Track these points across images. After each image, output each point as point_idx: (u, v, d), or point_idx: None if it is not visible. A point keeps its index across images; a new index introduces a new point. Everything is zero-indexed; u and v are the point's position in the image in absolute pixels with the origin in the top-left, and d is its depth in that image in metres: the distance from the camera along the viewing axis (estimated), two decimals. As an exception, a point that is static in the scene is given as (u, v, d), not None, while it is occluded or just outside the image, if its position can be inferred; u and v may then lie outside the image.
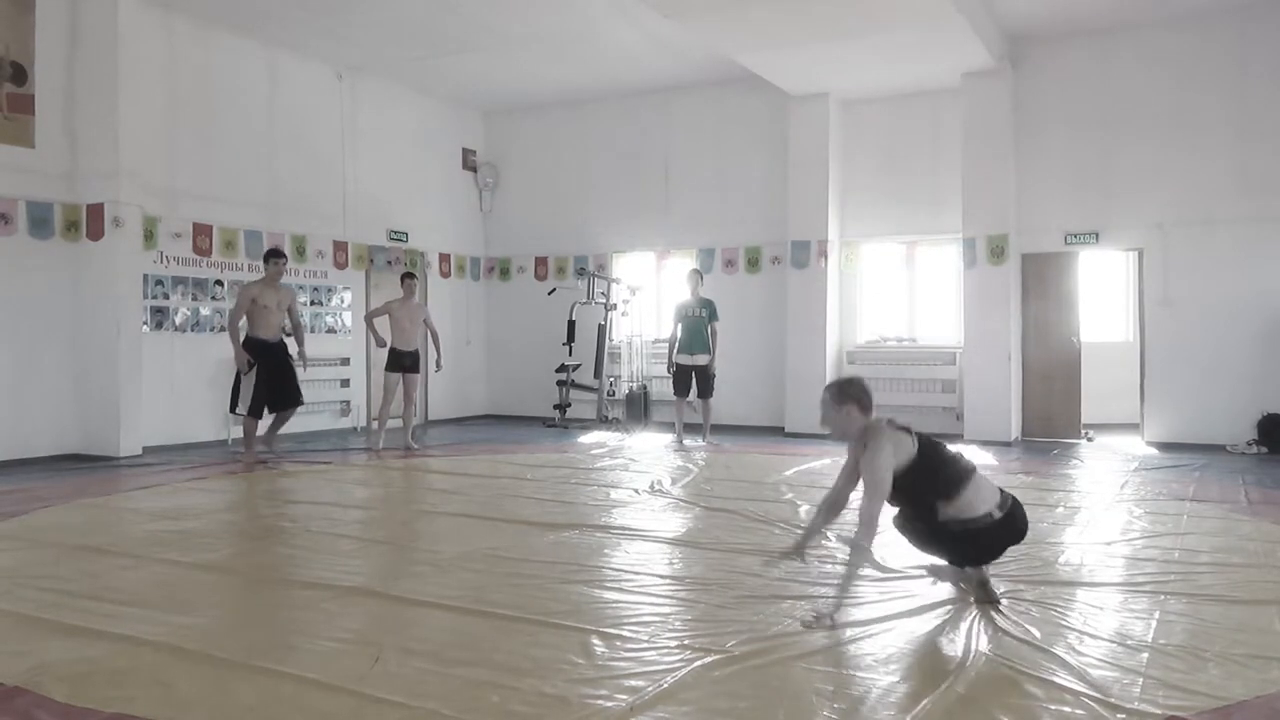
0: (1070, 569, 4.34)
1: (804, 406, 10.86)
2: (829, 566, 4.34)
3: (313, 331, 10.80)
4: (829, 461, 8.35)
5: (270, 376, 8.05)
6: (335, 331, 11.10)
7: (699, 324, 9.69)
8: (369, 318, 9.47)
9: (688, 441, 9.58)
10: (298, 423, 10.39)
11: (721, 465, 8.14)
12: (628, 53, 10.55)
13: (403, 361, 9.35)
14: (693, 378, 9.67)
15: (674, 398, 9.90)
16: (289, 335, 8.60)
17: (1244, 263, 9.27)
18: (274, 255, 8.37)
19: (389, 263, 11.71)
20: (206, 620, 3.53)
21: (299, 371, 8.42)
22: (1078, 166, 9.98)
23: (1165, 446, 9.35)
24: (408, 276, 9.57)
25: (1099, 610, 3.68)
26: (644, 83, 11.67)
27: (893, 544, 4.13)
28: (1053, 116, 10.06)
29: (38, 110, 8.42)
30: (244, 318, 8.06)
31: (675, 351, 9.75)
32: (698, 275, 9.99)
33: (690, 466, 7.98)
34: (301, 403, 8.39)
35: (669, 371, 9.90)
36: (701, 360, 9.65)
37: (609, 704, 2.68)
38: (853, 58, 9.60)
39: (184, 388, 9.43)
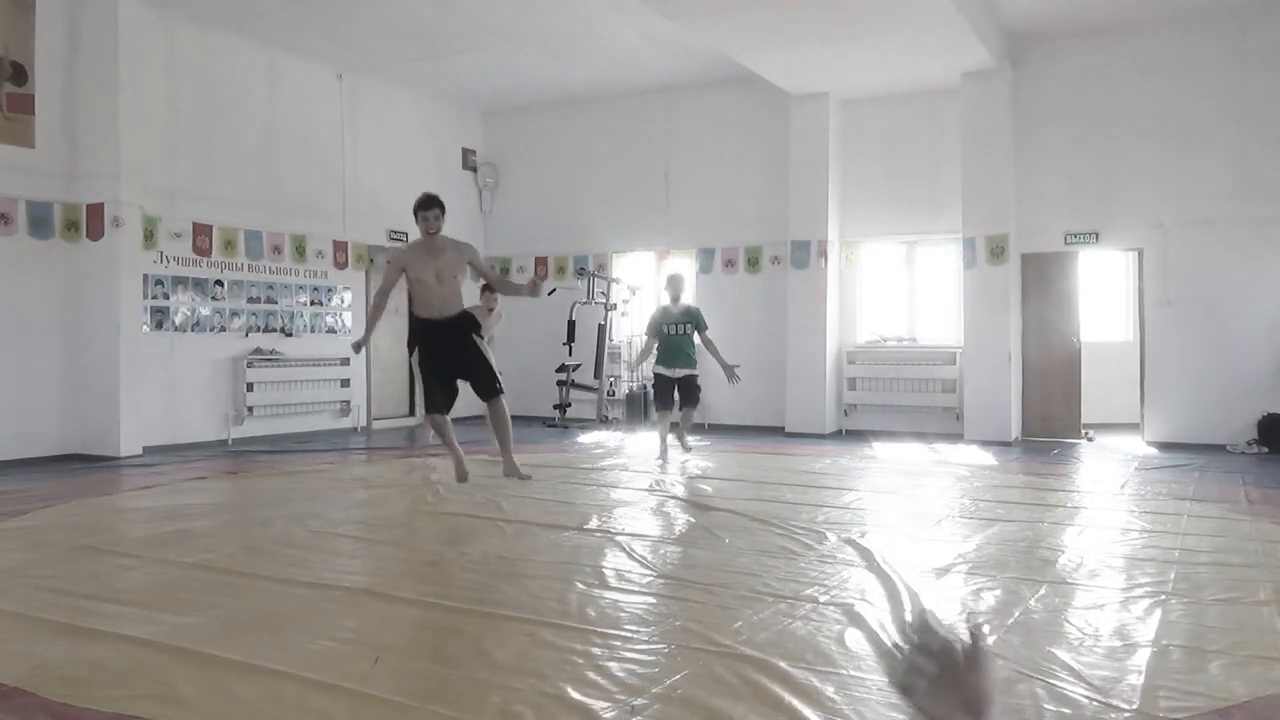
0: (1070, 569, 4.34)
1: (804, 406, 10.88)
2: (828, 567, 4.34)
3: (312, 332, 10.82)
4: (828, 461, 8.35)
5: (439, 363, 6.20)
6: (335, 331, 11.10)
7: (680, 341, 8.39)
8: None
9: (673, 455, 8.43)
10: (298, 423, 10.45)
11: (721, 465, 8.13)
12: (628, 53, 10.55)
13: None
14: (675, 388, 8.47)
15: (657, 411, 8.68)
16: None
17: (1244, 263, 9.27)
18: (422, 206, 6.24)
19: (389, 262, 11.69)
20: (206, 620, 3.52)
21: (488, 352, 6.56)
22: (1078, 166, 9.98)
23: (1165, 446, 9.35)
24: (487, 290, 8.88)
25: (1099, 610, 3.68)
26: (644, 83, 11.67)
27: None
28: (1053, 116, 10.06)
29: (38, 110, 8.42)
30: (403, 294, 6.45)
31: (657, 364, 8.50)
32: (680, 281, 8.67)
33: (690, 467, 7.97)
34: (497, 391, 6.32)
35: (637, 368, 8.87)
36: (682, 372, 8.41)
37: (609, 704, 2.68)
38: (853, 58, 9.60)
39: (184, 388, 9.43)
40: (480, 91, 12.30)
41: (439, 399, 6.20)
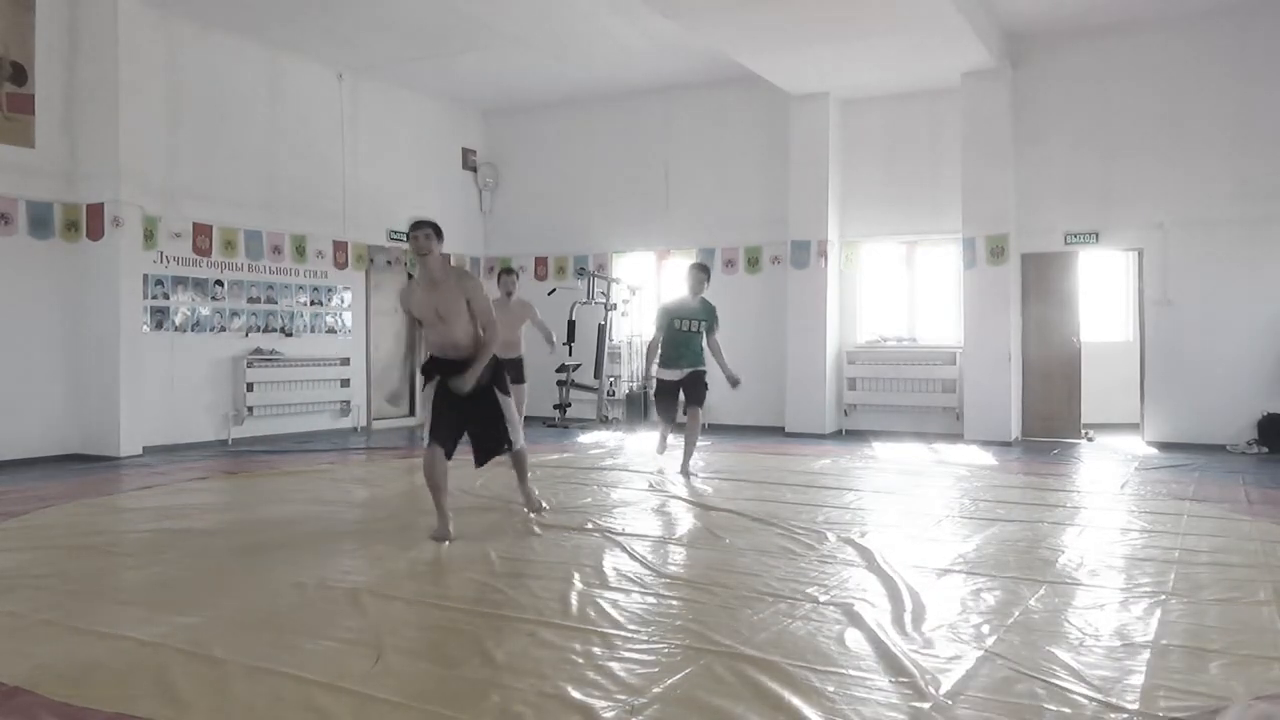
0: (1070, 569, 4.34)
1: (804, 406, 10.88)
2: (828, 567, 4.35)
3: (312, 332, 10.82)
4: (828, 462, 8.35)
5: (450, 404, 5.28)
6: (335, 331, 11.10)
7: (691, 339, 7.45)
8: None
9: (674, 455, 7.80)
10: (298, 422, 10.45)
11: (721, 465, 8.13)
12: (628, 53, 10.55)
13: (512, 372, 7.45)
14: (679, 391, 7.58)
15: (660, 419, 8.01)
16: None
17: (1244, 263, 9.27)
18: (411, 228, 5.24)
19: (389, 263, 11.71)
20: (206, 620, 3.52)
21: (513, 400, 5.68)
22: (1077, 166, 9.98)
23: (1165, 446, 9.35)
24: (506, 273, 7.97)
25: (1099, 610, 3.68)
26: (644, 83, 11.67)
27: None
28: (1052, 116, 10.06)
29: (38, 110, 8.42)
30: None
31: (658, 365, 7.55)
32: (703, 273, 7.56)
33: (690, 467, 7.96)
34: (507, 449, 5.53)
35: (645, 381, 7.70)
36: (688, 370, 7.50)
37: (609, 704, 2.68)
38: (853, 58, 9.61)
39: (184, 388, 9.43)
40: (480, 91, 12.30)
41: (445, 431, 5.23)
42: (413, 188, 12.18)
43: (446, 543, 4.97)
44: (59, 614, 3.61)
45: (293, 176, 10.64)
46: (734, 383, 7.48)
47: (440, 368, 5.31)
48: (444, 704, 2.68)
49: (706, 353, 7.58)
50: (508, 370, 6.47)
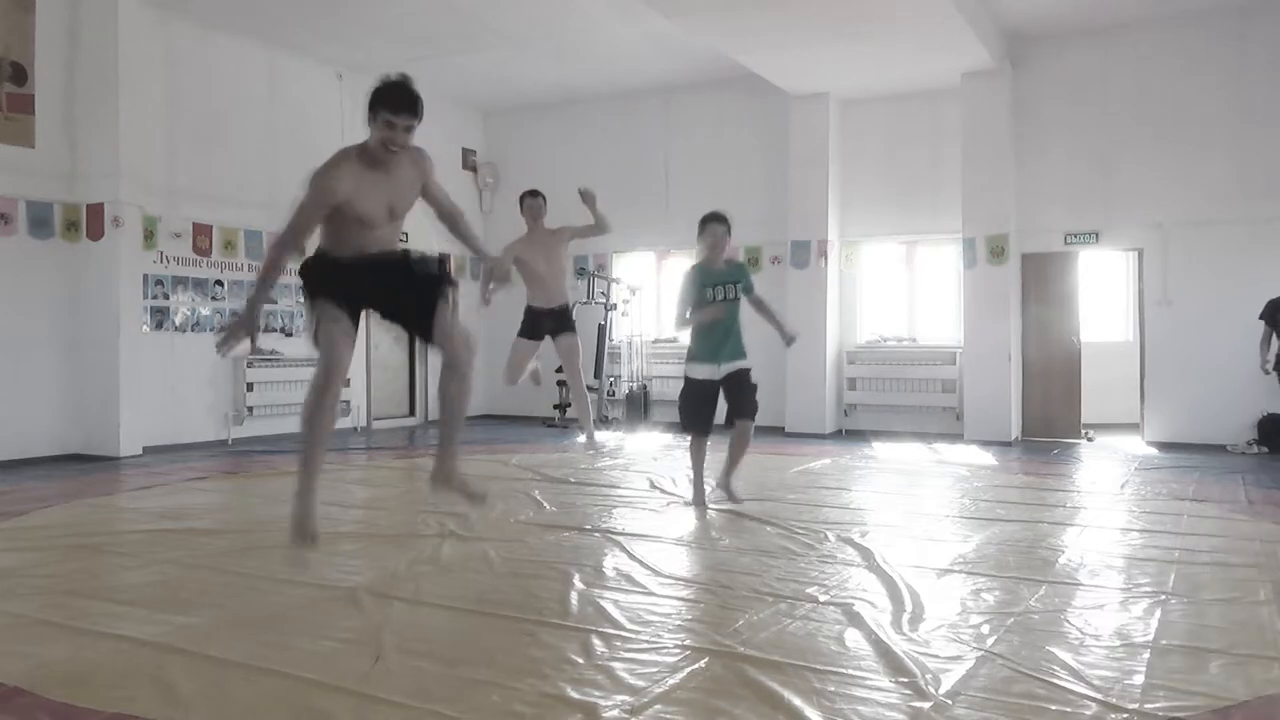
0: (1070, 569, 4.34)
1: (804, 406, 10.88)
2: (828, 567, 4.35)
3: (313, 331, 10.80)
4: (828, 462, 8.35)
5: (358, 292, 4.08)
6: (335, 331, 11.08)
7: (730, 311, 5.65)
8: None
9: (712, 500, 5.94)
10: (298, 423, 10.39)
11: (721, 465, 8.12)
12: (628, 53, 10.55)
13: (543, 325, 6.58)
14: (717, 395, 5.71)
15: (688, 440, 5.88)
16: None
17: (1244, 263, 9.28)
18: (393, 105, 3.92)
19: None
20: (206, 620, 3.52)
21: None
22: (1078, 166, 9.98)
23: (1165, 446, 9.35)
24: (530, 196, 6.56)
25: (1099, 610, 3.68)
26: (644, 83, 11.67)
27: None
28: (1053, 116, 10.07)
29: (38, 110, 8.42)
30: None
31: (686, 359, 5.76)
32: (722, 224, 5.94)
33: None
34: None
35: (680, 327, 5.81)
36: (730, 367, 5.65)
37: (609, 704, 2.68)
38: (853, 58, 9.61)
39: (184, 388, 9.43)
40: (480, 91, 12.29)
41: (338, 305, 3.91)
42: (413, 188, 12.16)
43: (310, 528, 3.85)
44: (59, 614, 3.61)
45: (293, 177, 10.50)
46: (790, 340, 6.02)
47: (344, 271, 3.93)
48: (444, 704, 2.68)
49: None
50: (550, 321, 6.41)
